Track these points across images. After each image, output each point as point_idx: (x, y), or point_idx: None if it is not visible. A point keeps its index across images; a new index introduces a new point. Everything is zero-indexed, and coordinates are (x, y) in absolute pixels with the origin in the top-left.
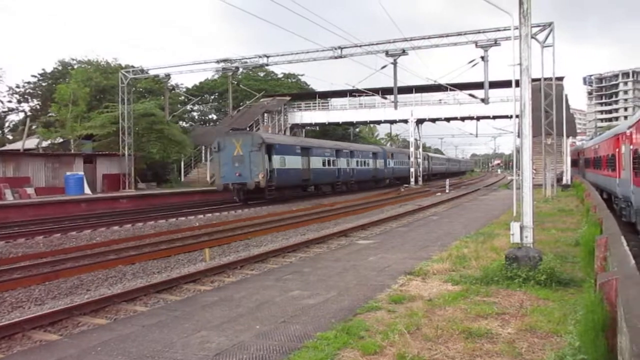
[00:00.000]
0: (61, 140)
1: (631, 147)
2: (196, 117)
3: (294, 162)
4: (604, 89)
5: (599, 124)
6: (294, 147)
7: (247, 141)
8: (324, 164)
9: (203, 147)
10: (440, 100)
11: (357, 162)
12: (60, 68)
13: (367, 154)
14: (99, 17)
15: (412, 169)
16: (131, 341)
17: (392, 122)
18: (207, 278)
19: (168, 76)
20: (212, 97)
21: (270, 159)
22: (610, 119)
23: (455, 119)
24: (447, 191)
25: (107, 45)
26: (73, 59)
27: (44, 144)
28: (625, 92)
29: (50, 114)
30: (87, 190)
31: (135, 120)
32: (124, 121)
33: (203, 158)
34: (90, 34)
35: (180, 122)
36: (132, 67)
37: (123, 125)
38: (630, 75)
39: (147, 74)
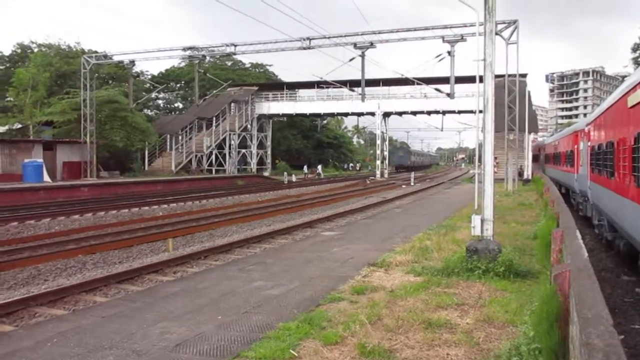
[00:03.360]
0: (19, 126)
1: (589, 143)
2: (161, 106)
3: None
4: (565, 86)
5: (560, 120)
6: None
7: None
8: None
9: (168, 136)
10: (406, 94)
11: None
12: (19, 51)
13: (410, 152)
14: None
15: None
16: (89, 332)
17: (359, 114)
18: (169, 268)
19: (132, 62)
20: (178, 85)
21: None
22: (570, 116)
23: (421, 112)
24: (412, 184)
25: (68, 30)
26: (33, 42)
27: (1, 129)
28: (585, 90)
29: (7, 99)
30: (46, 178)
31: (98, 107)
32: (86, 108)
33: (168, 147)
34: (50, 16)
35: (145, 110)
36: (95, 52)
37: (85, 112)
38: (591, 74)
39: (111, 59)
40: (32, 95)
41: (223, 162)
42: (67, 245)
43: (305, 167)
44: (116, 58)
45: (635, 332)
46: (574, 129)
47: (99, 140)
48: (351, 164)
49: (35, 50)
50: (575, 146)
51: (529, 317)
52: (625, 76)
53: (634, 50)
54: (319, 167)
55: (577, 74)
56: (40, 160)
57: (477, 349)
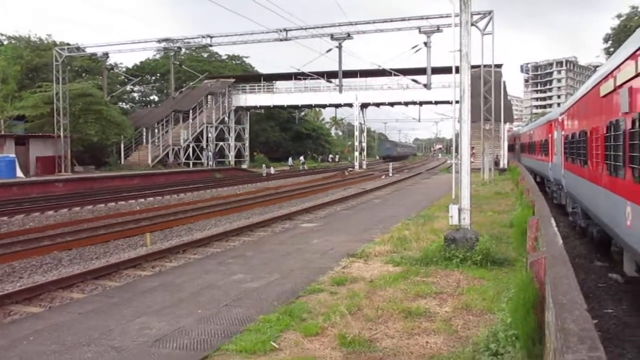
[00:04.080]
0: None
1: (563, 132)
2: (137, 98)
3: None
4: (539, 77)
5: (535, 110)
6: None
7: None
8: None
9: (144, 129)
10: (384, 85)
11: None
12: None
13: (395, 144)
14: None
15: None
16: (66, 329)
17: (337, 106)
18: (147, 263)
19: (106, 55)
20: (154, 77)
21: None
22: (544, 106)
23: (399, 103)
24: (390, 175)
25: (39, 22)
26: (2, 35)
27: None
28: (559, 80)
29: None
30: (19, 173)
31: (71, 100)
32: (59, 101)
33: (144, 140)
34: (20, 9)
35: (120, 103)
36: (68, 44)
37: (58, 105)
38: (564, 64)
39: (84, 52)
40: (3, 89)
41: (200, 155)
42: (42, 242)
43: (290, 159)
44: (89, 50)
45: (608, 316)
46: (548, 119)
47: (73, 134)
48: (330, 156)
49: (5, 42)
50: (550, 135)
51: (506, 304)
52: (598, 66)
53: (606, 40)
54: (302, 158)
55: (551, 64)
56: (13, 155)
57: (455, 336)
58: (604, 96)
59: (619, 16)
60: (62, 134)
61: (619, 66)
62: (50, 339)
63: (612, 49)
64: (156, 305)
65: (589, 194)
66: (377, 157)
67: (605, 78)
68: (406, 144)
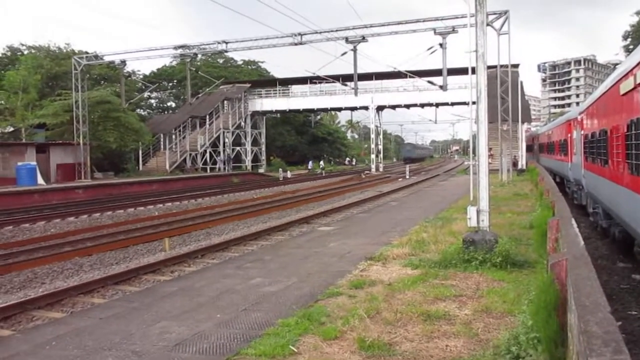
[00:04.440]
0: (11, 129)
1: (582, 132)
2: (154, 105)
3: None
4: (557, 76)
5: (553, 110)
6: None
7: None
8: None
9: (161, 135)
10: (399, 87)
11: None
12: (8, 54)
13: (415, 146)
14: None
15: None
16: (88, 334)
17: (352, 109)
18: (166, 268)
19: (124, 62)
20: (170, 84)
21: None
22: (563, 105)
23: (415, 105)
24: (407, 177)
25: (57, 31)
26: (22, 45)
27: None
28: (577, 79)
29: None
30: (40, 180)
31: (90, 108)
32: (78, 109)
33: (162, 146)
34: (39, 17)
35: (138, 110)
36: (86, 53)
37: (77, 113)
38: (582, 62)
39: (102, 60)
40: (24, 97)
41: (224, 160)
42: (63, 248)
43: (310, 163)
44: (107, 58)
45: (632, 318)
46: (567, 118)
47: (92, 141)
48: (347, 158)
49: (25, 52)
50: (569, 135)
51: (527, 307)
52: (617, 64)
53: (625, 38)
54: (322, 162)
55: (569, 63)
56: (34, 163)
57: (476, 339)
58: (624, 94)
59: (637, 13)
60: (81, 142)
61: (639, 63)
62: (72, 344)
63: (631, 47)
64: (176, 309)
65: (610, 193)
66: (397, 160)
67: (625, 76)
68: (424, 146)
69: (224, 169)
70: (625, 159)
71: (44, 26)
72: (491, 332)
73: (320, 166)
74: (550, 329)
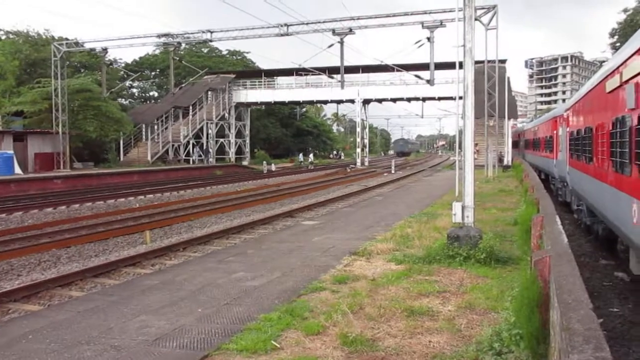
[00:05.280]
0: None
1: (567, 129)
2: (136, 94)
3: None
4: (544, 72)
5: (539, 106)
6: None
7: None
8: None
9: (143, 126)
10: (386, 80)
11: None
12: None
13: (407, 141)
14: None
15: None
16: (65, 327)
17: (338, 102)
18: (147, 261)
19: (105, 50)
20: (153, 73)
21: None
22: (549, 102)
23: (401, 99)
24: (392, 172)
25: (36, 17)
26: (0, 30)
27: None
28: (564, 75)
29: None
30: (17, 170)
31: (70, 96)
32: (58, 97)
33: (144, 137)
34: (16, 3)
35: (119, 99)
36: (66, 39)
37: (57, 101)
38: (569, 59)
39: (83, 47)
40: (1, 84)
41: (201, 152)
42: (41, 239)
43: (301, 155)
44: (88, 45)
45: (614, 315)
46: (552, 115)
47: (71, 130)
48: (334, 152)
49: (3, 37)
50: (554, 132)
51: (510, 303)
52: (604, 61)
53: (612, 35)
54: (311, 156)
55: (556, 60)
56: (11, 151)
57: (459, 335)
58: (610, 92)
59: (625, 10)
60: (60, 130)
61: (625, 62)
62: (49, 338)
63: (618, 44)
64: (156, 303)
65: (594, 191)
66: (383, 154)
67: (611, 74)
68: (414, 142)
69: (205, 160)
70: (610, 157)
71: (23, 10)
72: (474, 328)
73: (309, 160)
74: (533, 325)
